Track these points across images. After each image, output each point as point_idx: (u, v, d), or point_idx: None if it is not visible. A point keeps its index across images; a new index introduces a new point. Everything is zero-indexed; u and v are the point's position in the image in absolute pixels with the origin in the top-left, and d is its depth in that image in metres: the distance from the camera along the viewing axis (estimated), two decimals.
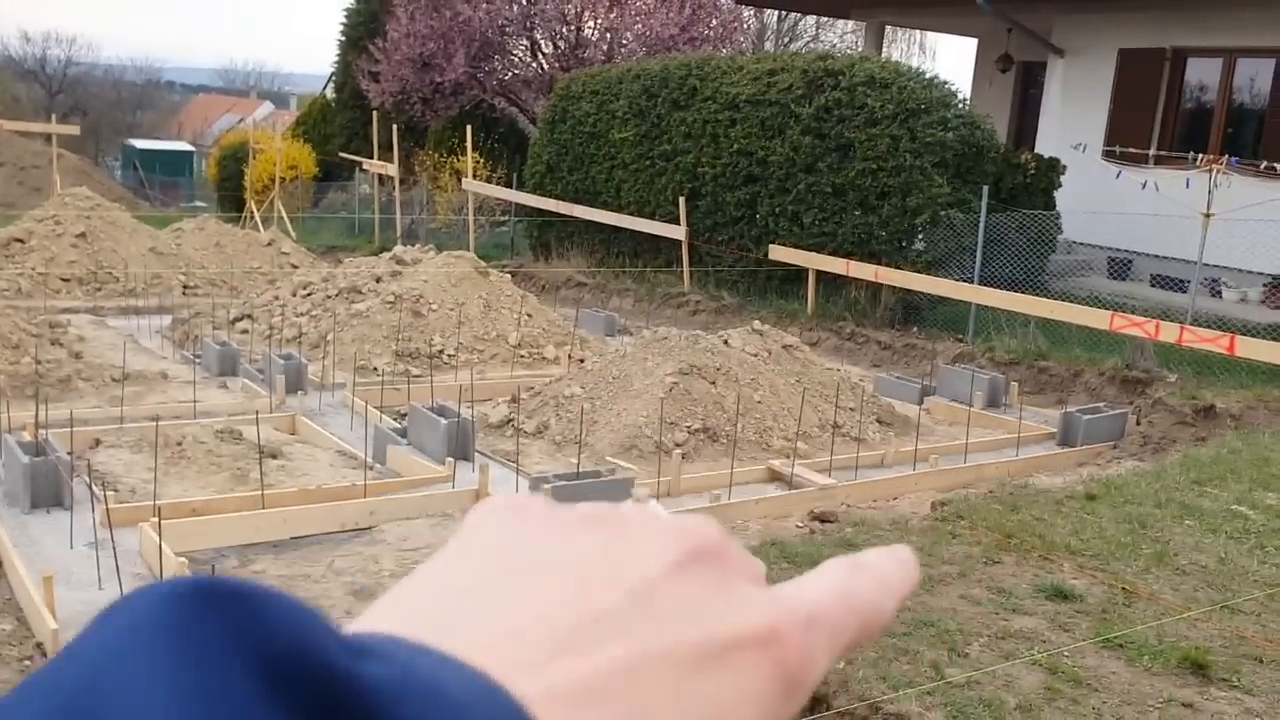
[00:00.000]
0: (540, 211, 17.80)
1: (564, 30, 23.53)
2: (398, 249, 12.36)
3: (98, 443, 7.50)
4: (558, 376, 9.37)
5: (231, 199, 28.06)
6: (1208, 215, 11.28)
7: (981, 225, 12.28)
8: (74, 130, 25.01)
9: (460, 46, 22.63)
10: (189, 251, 15.59)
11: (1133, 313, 10.87)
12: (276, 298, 11.90)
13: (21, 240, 14.63)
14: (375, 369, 10.04)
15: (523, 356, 10.90)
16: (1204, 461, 7.43)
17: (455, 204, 21.21)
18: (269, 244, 16.57)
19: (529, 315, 11.43)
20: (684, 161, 15.47)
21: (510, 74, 24.39)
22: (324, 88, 34.02)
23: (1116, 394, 10.21)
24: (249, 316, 11.66)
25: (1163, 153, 15.07)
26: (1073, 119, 16.00)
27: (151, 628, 0.30)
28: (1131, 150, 14.75)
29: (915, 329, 12.96)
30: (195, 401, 8.66)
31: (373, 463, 7.59)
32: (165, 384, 9.52)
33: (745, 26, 25.97)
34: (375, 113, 22.26)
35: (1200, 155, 12.96)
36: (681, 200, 15.05)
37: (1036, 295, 11.66)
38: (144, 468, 6.94)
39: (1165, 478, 7.03)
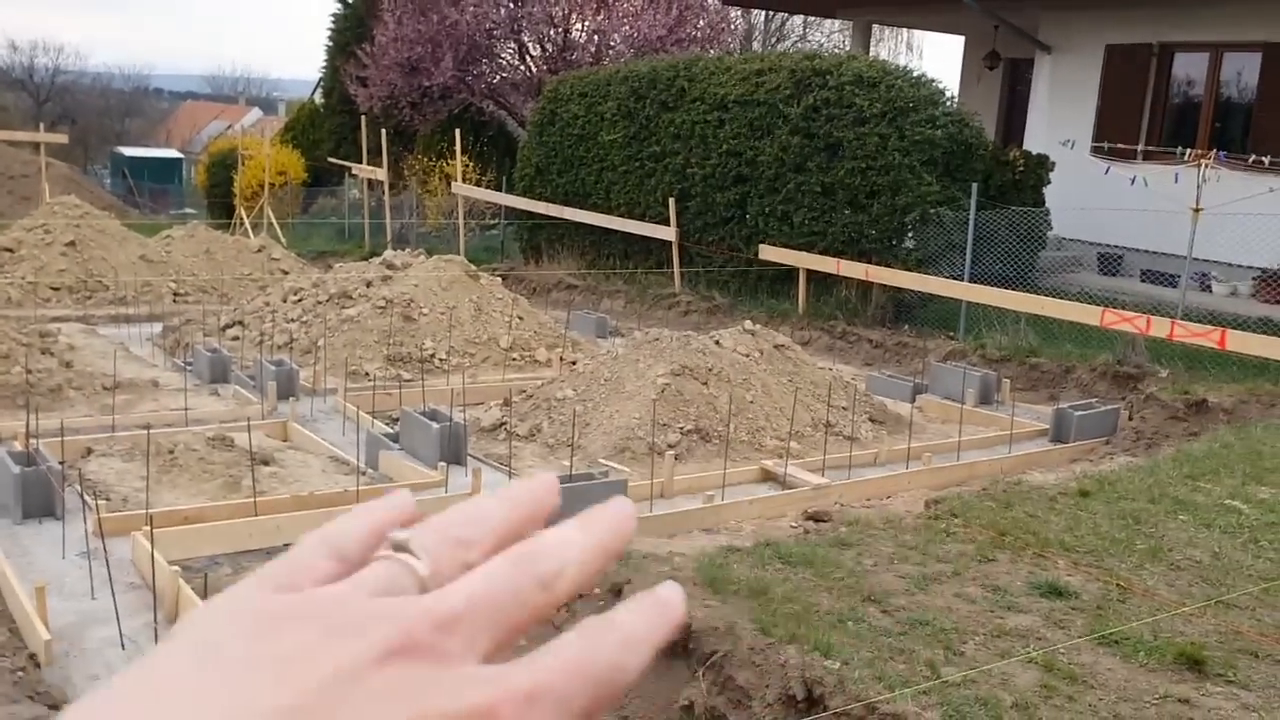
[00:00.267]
0: (530, 214, 17.79)
1: (551, 33, 23.52)
2: (388, 253, 12.35)
3: (89, 452, 7.47)
4: (550, 379, 9.36)
5: (221, 205, 28.02)
6: (1197, 210, 11.30)
7: (971, 223, 12.30)
8: (62, 139, 24.96)
9: (448, 50, 22.61)
10: (179, 259, 15.55)
11: (1123, 308, 10.88)
12: (267, 304, 11.87)
13: (11, 249, 14.58)
14: (367, 374, 10.02)
15: (514, 359, 10.89)
16: (1197, 456, 7.44)
17: (445, 208, 21.19)
18: (259, 250, 16.53)
19: (520, 318, 11.42)
20: (673, 162, 15.47)
21: (498, 77, 24.37)
22: (312, 93, 34.00)
23: (1108, 390, 10.22)
24: (240, 323, 11.63)
25: (1151, 148, 15.11)
26: (1061, 115, 16.03)
27: None
28: (1120, 146, 14.76)
29: (906, 327, 12.98)
30: (187, 409, 8.63)
31: (365, 468, 7.57)
32: (156, 392, 9.50)
33: (732, 27, 25.98)
34: (364, 117, 22.24)
35: (1188, 150, 12.99)
36: (671, 201, 15.05)
37: (1027, 292, 11.68)
38: (136, 476, 6.91)
39: (1158, 473, 7.03)
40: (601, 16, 22.84)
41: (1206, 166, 11.65)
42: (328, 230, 24.47)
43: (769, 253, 13.85)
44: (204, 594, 4.97)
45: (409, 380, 9.90)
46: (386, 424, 8.50)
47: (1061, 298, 11.57)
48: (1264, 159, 12.89)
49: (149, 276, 14.72)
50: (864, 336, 12.63)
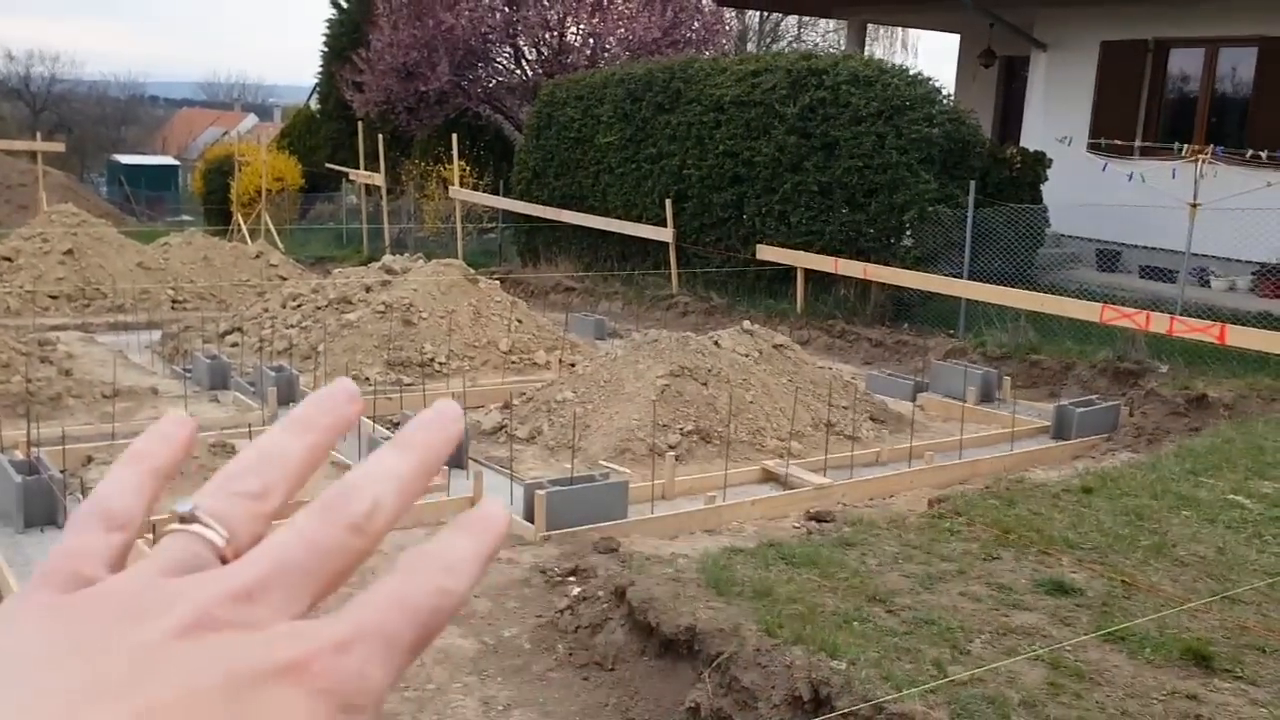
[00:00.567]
0: (528, 217, 17.78)
1: (547, 37, 23.50)
2: (386, 258, 12.33)
3: (90, 460, 7.46)
4: (549, 381, 9.36)
5: (218, 212, 27.97)
6: (1194, 205, 11.29)
7: (969, 220, 12.30)
8: (59, 147, 24.96)
9: (444, 55, 22.59)
10: (177, 266, 15.53)
11: (1122, 304, 10.88)
12: (266, 310, 11.86)
13: (9, 259, 14.58)
14: (367, 379, 10.01)
15: (514, 362, 10.88)
16: (1199, 451, 7.43)
17: (443, 212, 21.18)
18: (257, 256, 16.52)
19: (519, 321, 11.41)
20: (670, 164, 15.47)
21: (494, 81, 24.35)
22: (308, 99, 33.97)
23: (1109, 386, 10.22)
24: (239, 330, 11.62)
25: (1148, 144, 15.10)
26: (1057, 112, 16.03)
27: None
28: (1117, 142, 14.77)
29: (906, 325, 12.97)
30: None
31: None
32: (156, 399, 9.49)
33: (727, 28, 25.98)
34: (360, 123, 22.22)
35: (1185, 145, 12.99)
36: (668, 202, 15.04)
37: (1026, 289, 11.68)
38: None
39: (1160, 469, 7.02)
40: (596, 20, 22.82)
41: (1203, 162, 11.64)
42: (326, 236, 24.45)
43: (766, 253, 13.84)
44: None
45: (409, 385, 9.89)
46: (387, 429, 8.48)
47: (1060, 294, 11.57)
48: (1261, 153, 12.89)
49: (147, 284, 14.71)
50: (863, 335, 12.62)
